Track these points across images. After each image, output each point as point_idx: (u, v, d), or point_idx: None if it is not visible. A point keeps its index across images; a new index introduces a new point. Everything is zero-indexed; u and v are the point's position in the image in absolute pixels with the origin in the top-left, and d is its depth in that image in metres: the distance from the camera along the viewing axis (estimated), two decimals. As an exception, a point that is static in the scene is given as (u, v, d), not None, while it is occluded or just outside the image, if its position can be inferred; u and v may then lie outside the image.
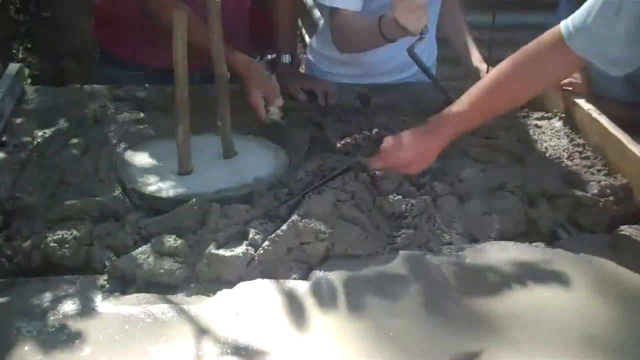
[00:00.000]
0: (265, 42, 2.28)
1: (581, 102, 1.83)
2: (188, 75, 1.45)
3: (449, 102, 1.57)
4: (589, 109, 1.79)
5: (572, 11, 1.93)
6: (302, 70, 2.51)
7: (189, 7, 1.83)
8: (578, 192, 1.49)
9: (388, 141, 1.49)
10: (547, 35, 1.44)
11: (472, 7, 3.04)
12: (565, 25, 1.41)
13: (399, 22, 1.73)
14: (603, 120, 1.72)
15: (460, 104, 1.48)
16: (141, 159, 1.59)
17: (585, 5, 1.40)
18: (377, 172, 1.48)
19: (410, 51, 1.87)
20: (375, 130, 1.75)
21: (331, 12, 2.00)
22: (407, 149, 1.46)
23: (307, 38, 4.66)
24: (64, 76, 3.97)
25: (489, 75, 1.50)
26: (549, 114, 1.93)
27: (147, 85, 2.02)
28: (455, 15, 2.35)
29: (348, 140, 1.72)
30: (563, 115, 1.90)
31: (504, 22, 3.40)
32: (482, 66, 2.24)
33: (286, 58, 2.08)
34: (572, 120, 1.86)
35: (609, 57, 1.36)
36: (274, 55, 2.19)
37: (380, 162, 1.48)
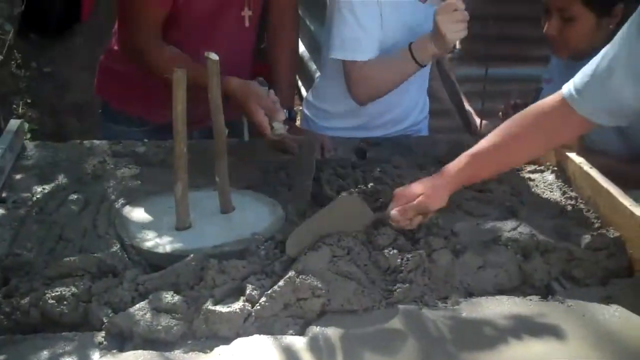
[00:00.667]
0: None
1: (572, 155, 1.86)
2: (187, 131, 1.48)
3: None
4: (580, 163, 1.81)
5: (563, 65, 1.99)
6: (298, 124, 2.55)
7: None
8: (571, 246, 1.50)
9: (400, 189, 1.56)
10: (550, 100, 1.51)
11: (466, 61, 3.11)
12: (568, 89, 1.48)
13: (439, 30, 1.81)
14: (594, 173, 1.75)
15: (468, 157, 1.54)
16: (139, 214, 1.61)
17: (585, 69, 1.47)
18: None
19: (440, 66, 1.92)
20: (371, 184, 1.78)
21: (350, 65, 2.04)
22: (418, 185, 1.53)
23: (303, 90, 4.73)
24: (63, 131, 4.02)
25: (495, 133, 1.55)
26: (542, 167, 1.96)
27: (146, 140, 2.05)
28: (445, 73, 2.41)
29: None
30: (555, 168, 1.93)
31: (496, 74, 3.49)
32: (472, 120, 2.29)
33: (284, 113, 2.12)
34: (564, 174, 1.89)
35: (625, 113, 1.43)
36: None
37: (392, 203, 1.53)
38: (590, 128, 1.51)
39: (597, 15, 1.92)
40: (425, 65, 1.97)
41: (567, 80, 2.02)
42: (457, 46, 1.86)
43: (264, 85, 1.83)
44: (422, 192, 1.51)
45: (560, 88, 1.99)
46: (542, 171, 1.95)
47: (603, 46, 1.95)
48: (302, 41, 4.80)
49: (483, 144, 1.55)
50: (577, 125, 1.51)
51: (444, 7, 1.83)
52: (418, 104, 2.35)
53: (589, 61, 1.97)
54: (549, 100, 1.52)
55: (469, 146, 1.57)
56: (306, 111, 2.39)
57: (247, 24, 2.08)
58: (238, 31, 2.09)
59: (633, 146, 1.95)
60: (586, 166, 1.79)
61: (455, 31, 1.82)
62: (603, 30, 1.95)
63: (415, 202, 1.50)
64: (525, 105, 2.18)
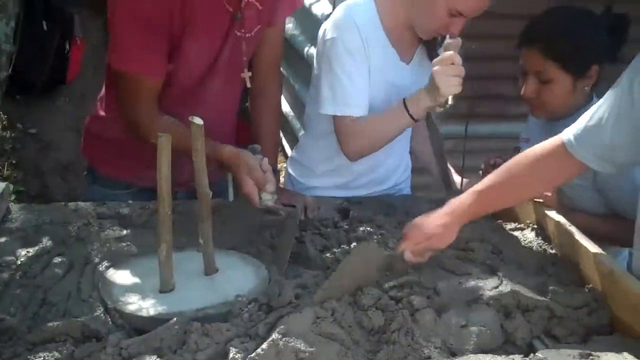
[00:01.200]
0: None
1: (552, 213, 1.89)
2: (172, 192, 1.50)
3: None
4: (560, 221, 1.84)
5: (541, 124, 2.05)
6: (282, 182, 2.57)
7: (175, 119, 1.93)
8: (552, 304, 1.52)
9: (408, 224, 1.67)
10: (550, 144, 1.66)
11: (447, 119, 3.16)
12: (567, 134, 1.60)
13: (435, 81, 1.86)
14: (574, 231, 1.78)
15: (473, 195, 1.68)
16: (123, 277, 1.62)
17: (583, 116, 1.60)
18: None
19: (431, 122, 1.98)
20: (354, 244, 1.80)
21: (341, 121, 2.08)
22: (428, 226, 1.64)
23: (287, 149, 4.77)
24: (48, 191, 4.02)
25: (499, 172, 1.69)
26: (522, 225, 1.99)
27: (131, 202, 2.06)
28: (424, 132, 2.46)
29: (327, 254, 1.76)
30: (535, 226, 1.96)
31: (476, 132, 3.55)
32: (455, 178, 2.32)
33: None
34: (544, 232, 1.92)
35: (617, 163, 1.55)
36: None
37: (405, 243, 1.64)
38: (587, 170, 1.62)
39: (573, 77, 1.98)
40: (418, 120, 2.01)
41: (546, 139, 2.08)
42: (450, 101, 1.91)
43: (256, 153, 1.86)
44: (433, 233, 1.63)
45: None
46: (522, 229, 1.98)
47: (580, 106, 2.03)
48: (286, 99, 4.87)
49: (487, 182, 1.68)
50: (575, 168, 1.63)
51: (443, 59, 1.88)
52: (401, 164, 2.39)
53: (565, 121, 2.04)
54: (549, 143, 1.65)
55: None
56: (290, 170, 2.42)
57: (248, 84, 2.12)
58: (227, 92, 2.13)
59: (609, 203, 1.99)
60: (566, 224, 1.82)
61: (450, 85, 1.87)
62: (579, 92, 2.01)
63: (427, 243, 1.63)
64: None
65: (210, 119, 1.71)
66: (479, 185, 1.69)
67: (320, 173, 2.30)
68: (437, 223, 1.65)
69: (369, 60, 2.05)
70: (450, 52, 1.87)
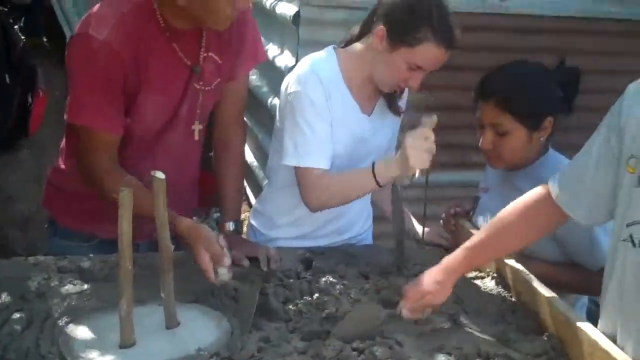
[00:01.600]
0: (213, 202, 2.37)
1: (511, 262, 1.92)
2: (134, 244, 1.50)
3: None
4: (519, 269, 1.88)
5: (499, 174, 2.09)
6: (245, 233, 2.57)
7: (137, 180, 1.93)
8: (512, 352, 1.54)
9: (408, 285, 1.76)
10: (537, 194, 1.70)
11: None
12: (552, 183, 1.64)
13: (406, 154, 1.90)
14: (533, 279, 1.81)
15: (466, 251, 1.75)
16: (83, 332, 1.60)
17: (567, 165, 1.66)
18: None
19: (395, 189, 2.05)
20: (316, 295, 1.81)
21: (303, 172, 2.10)
22: (425, 284, 1.72)
23: (252, 199, 4.77)
24: (8, 245, 3.96)
25: (489, 225, 1.77)
26: (482, 274, 2.02)
27: (92, 255, 2.05)
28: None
29: (290, 306, 1.77)
30: (495, 275, 1.99)
31: (437, 180, 3.59)
32: (415, 229, 2.35)
33: (230, 225, 2.16)
34: (504, 280, 1.95)
35: (600, 210, 1.57)
36: (219, 214, 2.28)
37: (403, 302, 1.73)
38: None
39: (529, 130, 2.03)
40: (382, 186, 2.05)
41: (504, 189, 2.14)
42: (417, 174, 1.95)
43: (213, 230, 1.89)
44: (428, 290, 1.71)
45: (497, 197, 2.11)
46: (482, 277, 2.01)
47: (536, 157, 2.08)
48: (250, 149, 4.89)
49: (478, 236, 1.77)
50: (561, 218, 1.66)
51: (417, 133, 1.92)
52: (363, 214, 2.41)
53: (522, 172, 2.10)
54: (535, 193, 1.70)
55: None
56: (252, 221, 2.43)
57: (196, 137, 2.14)
58: (187, 144, 2.15)
59: (567, 252, 2.02)
60: (524, 273, 1.85)
61: (421, 159, 1.91)
62: (535, 143, 2.06)
63: (424, 301, 1.71)
64: (466, 213, 2.28)
65: (172, 171, 1.73)
66: (471, 241, 1.76)
67: (282, 224, 2.31)
68: (431, 280, 1.73)
69: (331, 113, 2.09)
70: (425, 128, 1.92)
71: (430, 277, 1.74)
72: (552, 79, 2.07)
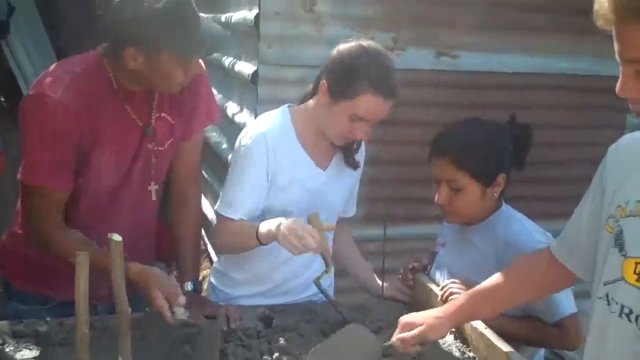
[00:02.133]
0: (170, 257, 2.36)
1: (468, 316, 1.94)
2: (91, 305, 1.49)
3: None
4: (476, 324, 1.90)
5: (456, 229, 2.13)
6: (205, 291, 2.56)
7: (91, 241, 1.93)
8: (471, 408, 1.55)
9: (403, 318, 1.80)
10: (538, 254, 1.77)
11: (366, 222, 3.24)
12: (553, 244, 1.69)
13: (278, 239, 1.93)
14: (489, 333, 1.83)
15: (467, 297, 1.80)
16: (39, 399, 1.57)
17: (568, 225, 1.67)
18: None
19: (317, 282, 2.03)
20: (276, 354, 1.81)
21: (219, 217, 2.19)
22: (422, 316, 1.77)
23: (213, 255, 4.74)
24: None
25: (493, 278, 1.79)
26: (441, 329, 2.03)
27: (49, 319, 2.01)
28: (346, 236, 2.52)
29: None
30: (453, 330, 2.00)
31: (395, 234, 3.63)
32: (376, 283, 2.37)
33: (189, 285, 2.15)
34: (461, 334, 1.97)
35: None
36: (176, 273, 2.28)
37: (399, 331, 1.76)
38: (575, 280, 1.70)
39: (482, 185, 2.08)
40: (266, 244, 2.07)
41: (460, 244, 2.17)
42: (330, 264, 2.01)
43: (164, 270, 1.89)
44: (423, 322, 1.73)
45: (454, 252, 2.14)
46: (442, 332, 2.02)
47: (490, 212, 2.13)
48: (209, 204, 4.88)
49: (481, 286, 1.79)
50: (563, 276, 1.70)
51: (296, 220, 1.95)
52: (323, 266, 2.41)
53: (477, 227, 2.13)
54: (538, 252, 1.77)
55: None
56: (212, 279, 2.42)
57: (153, 198, 2.16)
58: (142, 204, 2.16)
59: (525, 307, 2.05)
60: (481, 327, 1.88)
61: (290, 243, 1.91)
62: (488, 198, 2.11)
63: (416, 332, 1.72)
64: (424, 267, 2.31)
65: (127, 230, 1.74)
66: (474, 290, 1.80)
67: (242, 281, 2.31)
68: (430, 315, 1.78)
69: (279, 170, 2.14)
70: (308, 224, 1.96)
71: (428, 312, 1.80)
72: (504, 136, 2.12)
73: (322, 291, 2.08)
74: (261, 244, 2.04)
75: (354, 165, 2.30)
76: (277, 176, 2.14)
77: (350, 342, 1.65)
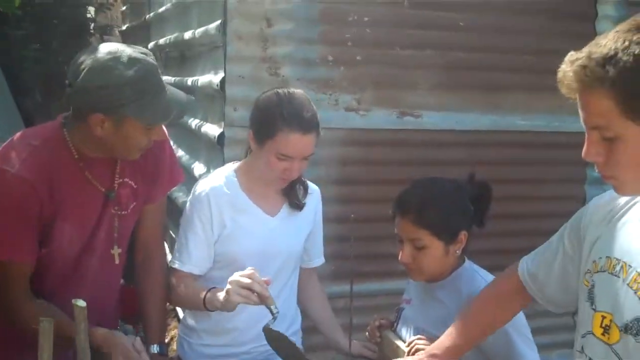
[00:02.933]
0: (137, 319, 2.36)
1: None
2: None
3: None
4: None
5: (421, 286, 2.16)
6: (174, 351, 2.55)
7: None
8: None
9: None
10: (506, 280, 1.86)
11: (334, 279, 3.26)
12: (522, 271, 1.75)
13: (227, 289, 1.99)
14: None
15: (448, 332, 1.87)
16: None
17: (537, 253, 1.76)
18: None
19: (266, 329, 2.02)
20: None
21: (172, 270, 2.27)
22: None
23: (179, 312, 4.69)
24: None
25: (467, 308, 1.90)
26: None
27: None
28: (315, 290, 2.54)
29: None
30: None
31: (364, 290, 3.65)
32: (344, 340, 2.37)
33: (154, 348, 2.15)
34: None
35: (567, 301, 1.66)
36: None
37: None
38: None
39: (445, 243, 2.11)
40: (212, 311, 2.15)
41: (425, 300, 2.20)
42: (275, 311, 2.01)
43: (129, 333, 1.89)
44: None
45: (419, 308, 2.18)
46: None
47: (453, 268, 2.17)
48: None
49: (459, 317, 1.88)
50: (526, 301, 1.78)
51: (239, 273, 2.01)
52: (287, 317, 2.40)
53: (441, 283, 2.17)
54: (508, 281, 1.85)
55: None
56: (181, 332, 2.44)
57: (116, 261, 2.17)
58: (107, 267, 2.17)
59: (483, 355, 2.07)
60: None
61: (239, 295, 1.98)
62: (451, 255, 2.14)
63: None
64: (390, 324, 2.32)
65: (92, 294, 1.75)
66: (454, 327, 1.87)
67: (205, 331, 2.34)
68: (427, 355, 1.84)
69: (224, 220, 2.24)
70: (248, 272, 2.01)
71: (424, 353, 1.87)
72: (464, 194, 2.17)
73: (272, 338, 2.06)
74: (208, 309, 2.13)
75: (299, 207, 2.36)
76: (222, 226, 2.24)
77: None
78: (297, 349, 2.09)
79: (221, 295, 2.05)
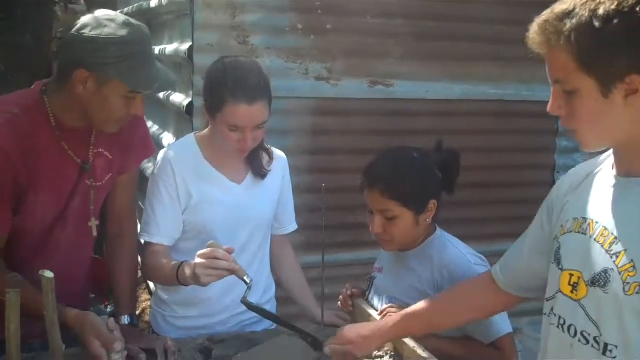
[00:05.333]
0: (106, 290, 2.34)
1: (407, 340, 1.96)
2: (28, 342, 1.46)
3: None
4: (414, 346, 1.92)
5: (393, 255, 2.16)
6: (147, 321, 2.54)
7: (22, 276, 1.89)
8: None
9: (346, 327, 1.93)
10: (480, 277, 1.87)
11: (307, 249, 3.26)
12: (494, 268, 1.77)
13: (195, 271, 1.96)
14: (427, 356, 1.86)
15: (402, 316, 1.88)
16: None
17: (511, 250, 1.77)
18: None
19: (245, 302, 2.01)
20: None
21: (145, 245, 2.24)
22: (354, 333, 1.89)
23: (152, 285, 4.67)
24: None
25: (433, 298, 1.91)
26: (381, 353, 2.05)
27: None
28: (288, 259, 2.53)
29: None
30: (392, 352, 2.02)
31: (337, 260, 3.66)
32: (317, 310, 2.38)
33: (125, 319, 2.13)
34: (400, 357, 1.98)
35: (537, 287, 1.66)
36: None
37: (332, 340, 1.89)
38: (515, 303, 1.79)
39: (415, 213, 2.11)
40: (186, 286, 2.10)
41: (397, 269, 2.21)
42: (248, 280, 2.00)
43: (102, 314, 1.87)
44: (352, 340, 1.85)
45: (391, 277, 2.18)
46: (381, 357, 2.03)
47: (425, 237, 2.17)
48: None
49: (419, 305, 1.87)
50: (502, 299, 1.79)
51: (204, 252, 1.98)
52: (259, 286, 2.39)
53: (413, 252, 2.17)
54: (480, 276, 1.85)
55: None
56: (154, 305, 2.42)
57: (94, 233, 2.15)
58: (83, 239, 2.15)
59: (463, 328, 2.09)
60: (419, 349, 1.90)
61: (206, 275, 1.96)
62: (422, 225, 2.14)
63: (346, 348, 1.85)
64: (363, 293, 2.33)
65: (64, 266, 1.71)
66: (411, 308, 1.89)
67: (177, 303, 2.32)
68: (360, 333, 1.88)
69: (189, 189, 2.22)
70: (212, 249, 1.99)
71: (361, 329, 1.90)
72: (431, 162, 2.17)
73: (252, 309, 2.06)
74: (181, 284, 2.09)
75: (262, 175, 2.34)
76: (189, 196, 2.22)
77: (279, 351, 1.66)
78: (278, 317, 2.11)
79: (191, 271, 2.01)
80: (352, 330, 1.89)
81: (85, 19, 1.88)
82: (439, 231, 2.21)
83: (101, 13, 1.90)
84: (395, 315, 1.87)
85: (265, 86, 2.14)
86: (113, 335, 1.80)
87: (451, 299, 1.87)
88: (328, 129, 3.69)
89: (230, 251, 1.99)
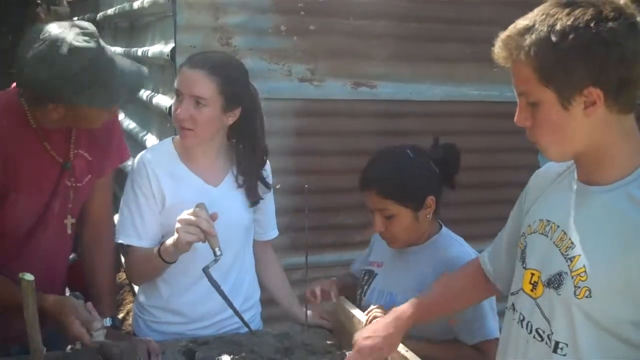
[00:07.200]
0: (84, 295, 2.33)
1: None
2: (4, 346, 1.45)
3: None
4: (399, 350, 1.91)
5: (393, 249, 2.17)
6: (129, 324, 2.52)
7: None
8: None
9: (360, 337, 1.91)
10: (470, 266, 1.93)
11: (291, 250, 3.26)
12: (482, 257, 1.83)
13: (176, 227, 1.99)
14: (410, 356, 1.86)
15: (415, 304, 1.90)
16: None
17: (495, 242, 1.84)
18: None
19: (205, 271, 2.03)
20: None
21: (128, 249, 2.22)
22: (375, 337, 1.87)
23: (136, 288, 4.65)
24: None
25: (437, 285, 1.93)
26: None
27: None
28: (270, 262, 2.52)
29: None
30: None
31: (321, 261, 3.65)
32: (300, 311, 2.37)
33: (107, 321, 2.11)
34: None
35: None
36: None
37: (357, 355, 1.89)
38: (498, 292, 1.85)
39: (413, 210, 2.12)
40: (171, 262, 2.10)
41: (398, 265, 2.22)
42: (218, 253, 2.01)
43: (79, 299, 1.89)
44: (381, 347, 1.86)
45: (393, 272, 2.21)
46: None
47: (429, 233, 2.18)
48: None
49: (428, 294, 1.93)
50: (488, 288, 1.85)
51: (185, 211, 2.01)
52: (241, 290, 2.37)
53: (417, 248, 2.18)
54: (469, 267, 1.94)
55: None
56: (135, 309, 2.40)
57: (69, 231, 2.14)
58: (60, 238, 2.13)
59: (446, 330, 2.09)
60: (403, 349, 1.90)
61: (184, 231, 1.99)
62: (422, 221, 2.15)
63: (375, 356, 1.87)
64: (334, 283, 2.34)
65: (44, 266, 1.69)
66: (421, 296, 1.92)
67: (156, 307, 2.30)
68: (382, 334, 1.87)
69: (164, 191, 2.20)
70: (195, 209, 2.02)
71: (380, 330, 1.88)
72: (427, 159, 2.17)
73: (211, 282, 2.06)
74: (166, 261, 2.09)
75: (256, 203, 2.33)
76: (164, 198, 2.20)
77: None
78: (227, 299, 2.10)
79: (171, 239, 2.03)
80: (371, 336, 1.89)
81: (29, 54, 1.78)
82: (444, 229, 2.24)
83: (43, 40, 1.79)
84: (408, 304, 1.90)
85: (217, 64, 2.15)
86: (92, 314, 1.82)
87: (456, 287, 1.93)
88: (311, 130, 3.68)
89: (214, 217, 2.02)
